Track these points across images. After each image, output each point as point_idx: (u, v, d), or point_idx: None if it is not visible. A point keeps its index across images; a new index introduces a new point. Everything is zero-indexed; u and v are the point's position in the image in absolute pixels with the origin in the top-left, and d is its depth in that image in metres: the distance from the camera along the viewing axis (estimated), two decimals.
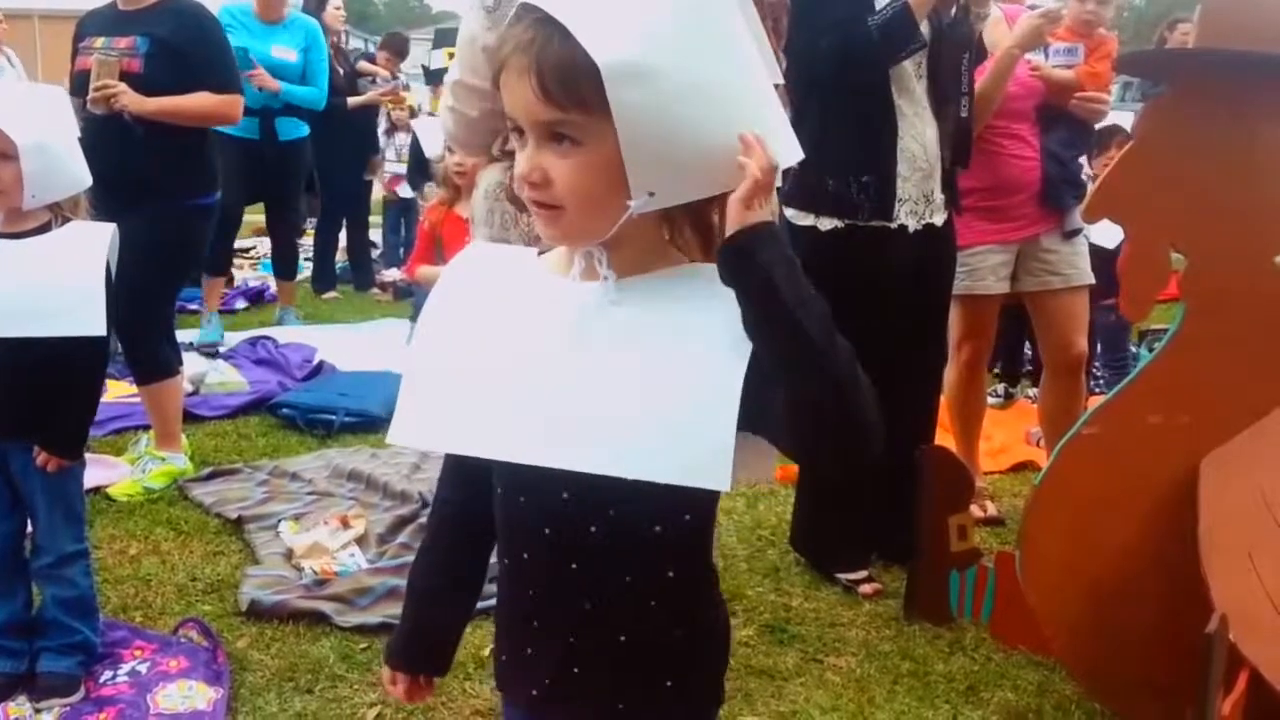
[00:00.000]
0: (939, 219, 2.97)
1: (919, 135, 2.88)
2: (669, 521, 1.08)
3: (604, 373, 1.02)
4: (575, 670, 1.12)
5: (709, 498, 1.03)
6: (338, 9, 7.26)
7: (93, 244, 2.25)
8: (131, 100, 3.46)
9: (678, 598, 1.11)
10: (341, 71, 7.25)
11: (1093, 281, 3.44)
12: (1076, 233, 3.38)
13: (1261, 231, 2.23)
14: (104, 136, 3.48)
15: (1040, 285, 3.39)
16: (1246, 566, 2.04)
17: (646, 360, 1.01)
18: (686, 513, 1.08)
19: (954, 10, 2.98)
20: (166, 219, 3.54)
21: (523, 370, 1.05)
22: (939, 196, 2.96)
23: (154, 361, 3.66)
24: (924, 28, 2.82)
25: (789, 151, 1.04)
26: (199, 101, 3.58)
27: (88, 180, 2.37)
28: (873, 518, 3.03)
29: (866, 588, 2.95)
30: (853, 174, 2.83)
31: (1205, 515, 2.09)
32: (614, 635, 1.11)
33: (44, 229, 2.25)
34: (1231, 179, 2.22)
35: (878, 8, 2.75)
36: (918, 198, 2.90)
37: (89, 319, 2.17)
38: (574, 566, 1.10)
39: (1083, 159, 3.50)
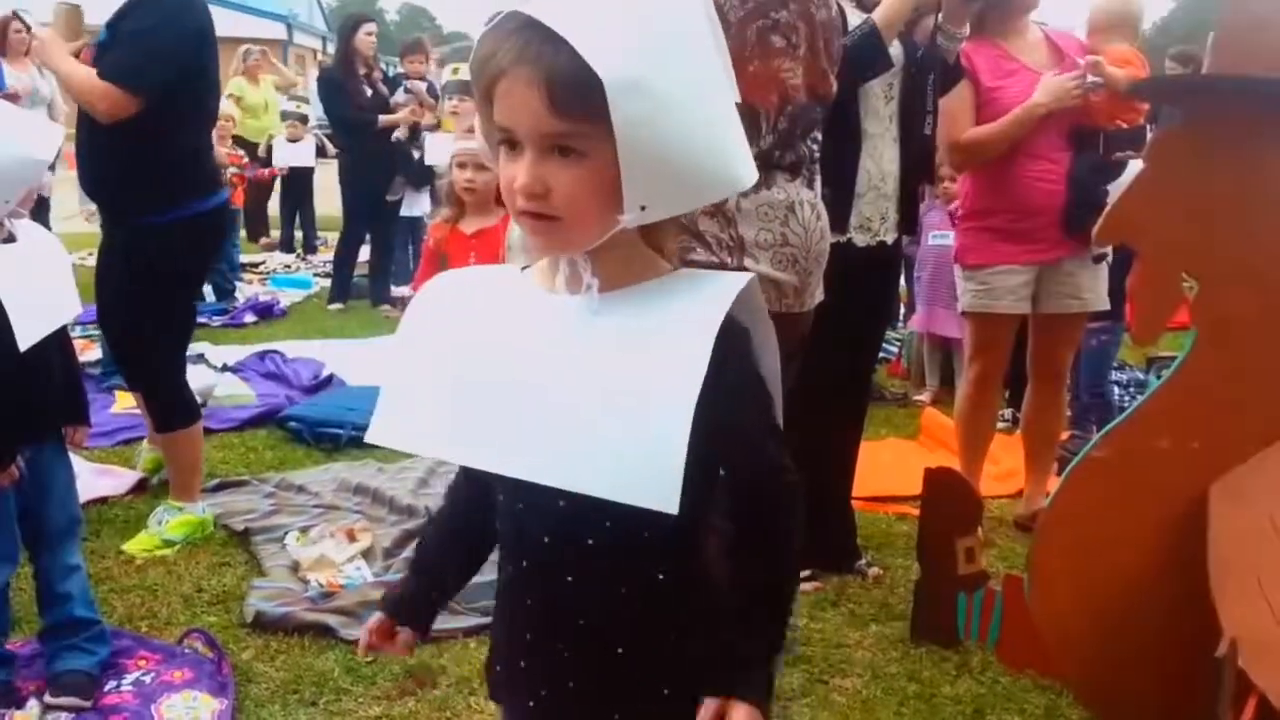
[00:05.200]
0: (890, 238, 3.10)
1: (878, 156, 3.01)
2: (657, 525, 1.03)
3: (572, 384, 1.01)
4: (570, 684, 1.12)
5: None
6: (369, 34, 7.28)
7: (47, 236, 2.47)
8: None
9: (670, 601, 1.10)
10: (370, 92, 7.27)
11: (1107, 307, 3.45)
12: (1102, 257, 3.37)
13: (1273, 257, 2.24)
14: (84, 150, 3.23)
15: (1060, 308, 3.39)
16: (1256, 592, 2.03)
17: (614, 375, 1.00)
18: (673, 516, 1.02)
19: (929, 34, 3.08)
20: (135, 239, 3.20)
21: (496, 378, 1.05)
22: (892, 216, 3.08)
23: (170, 407, 3.33)
24: (898, 52, 2.96)
25: (746, 173, 1.07)
26: (80, 76, 3.07)
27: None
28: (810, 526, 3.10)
29: (807, 585, 3.04)
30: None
31: (1215, 540, 2.08)
32: (610, 648, 1.11)
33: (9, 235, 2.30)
34: (1243, 205, 2.22)
35: (849, 29, 2.88)
36: (871, 214, 3.02)
37: (75, 301, 2.44)
38: (569, 579, 1.10)
39: (1109, 186, 3.46)
